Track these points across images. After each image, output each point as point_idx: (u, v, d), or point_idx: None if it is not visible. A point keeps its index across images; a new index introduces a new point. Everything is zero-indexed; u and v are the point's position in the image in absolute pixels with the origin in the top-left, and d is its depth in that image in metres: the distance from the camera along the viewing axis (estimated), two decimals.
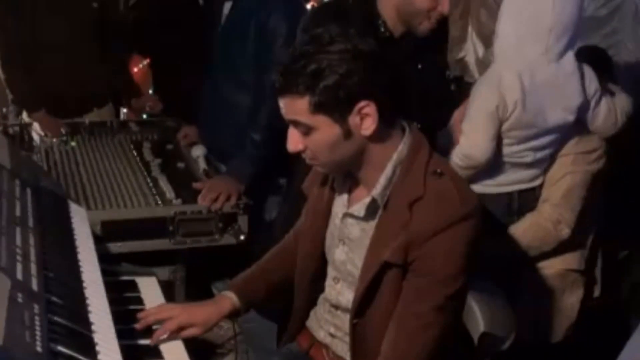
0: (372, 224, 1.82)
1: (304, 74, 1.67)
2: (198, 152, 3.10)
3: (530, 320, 2.60)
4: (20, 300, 1.41)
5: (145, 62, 3.99)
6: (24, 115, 3.35)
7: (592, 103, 2.58)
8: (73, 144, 3.18)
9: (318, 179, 1.98)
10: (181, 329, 1.93)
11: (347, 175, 1.89)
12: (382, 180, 1.78)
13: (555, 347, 2.71)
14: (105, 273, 2.22)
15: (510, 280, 2.52)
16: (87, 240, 2.02)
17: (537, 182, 2.64)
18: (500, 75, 2.49)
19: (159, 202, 2.68)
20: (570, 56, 2.48)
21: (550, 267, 2.65)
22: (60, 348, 1.40)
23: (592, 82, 2.58)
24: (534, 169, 2.61)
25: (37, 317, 1.40)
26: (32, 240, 1.72)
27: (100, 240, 2.49)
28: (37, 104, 3.37)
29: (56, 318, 1.49)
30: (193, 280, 3.09)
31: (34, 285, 1.53)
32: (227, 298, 2.04)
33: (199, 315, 1.98)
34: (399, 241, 1.73)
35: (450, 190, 1.74)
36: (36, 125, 3.24)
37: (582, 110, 2.56)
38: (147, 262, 2.51)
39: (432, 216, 1.71)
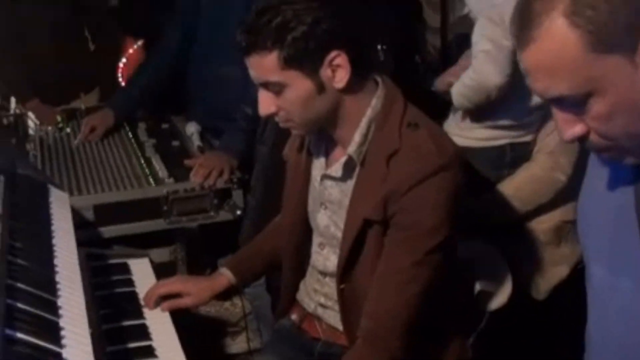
0: (351, 183, 1.75)
1: (270, 29, 1.60)
2: (192, 128, 3.03)
3: (528, 275, 2.50)
4: None
5: (140, 42, 3.92)
6: (12, 103, 3.31)
7: None
8: (68, 130, 3.13)
9: (295, 144, 1.90)
10: (172, 297, 1.95)
11: (322, 137, 1.81)
12: (357, 137, 1.71)
13: (553, 302, 2.61)
14: (96, 257, 2.21)
15: (506, 236, 2.42)
16: (65, 225, 1.96)
17: (529, 137, 2.53)
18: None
19: (152, 182, 2.62)
20: None
21: (549, 221, 2.53)
22: (19, 335, 1.35)
23: None
24: (523, 129, 2.50)
25: None
26: None
27: (94, 225, 2.46)
28: (29, 92, 3.33)
29: (18, 304, 1.44)
30: (199, 259, 3.05)
31: None
32: (223, 275, 2.03)
33: (191, 286, 2.00)
34: (378, 197, 1.66)
35: (426, 142, 1.66)
36: (32, 115, 3.20)
37: None
38: (146, 244, 2.48)
39: (409, 169, 1.64)
